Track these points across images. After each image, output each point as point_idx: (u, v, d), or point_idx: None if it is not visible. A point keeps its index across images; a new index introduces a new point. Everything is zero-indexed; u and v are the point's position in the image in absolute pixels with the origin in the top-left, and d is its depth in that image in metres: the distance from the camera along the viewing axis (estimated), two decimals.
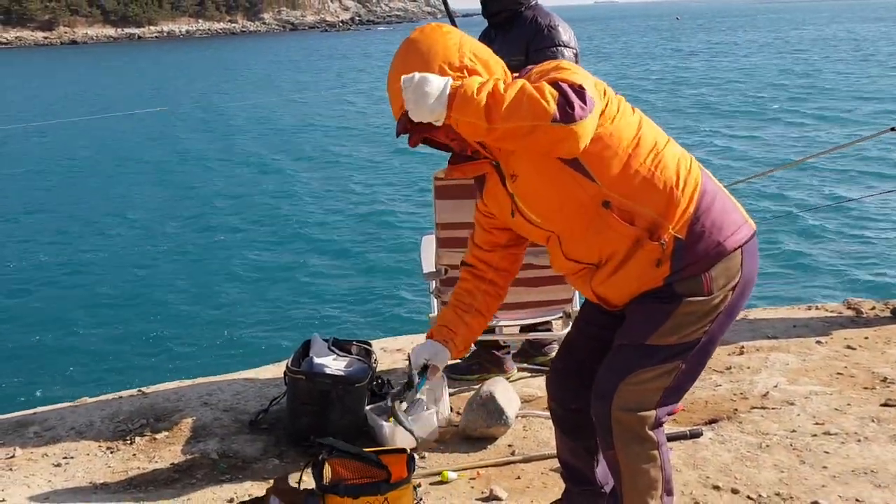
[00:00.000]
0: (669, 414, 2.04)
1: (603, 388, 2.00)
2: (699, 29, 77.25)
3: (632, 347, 1.98)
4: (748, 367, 3.77)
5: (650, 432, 1.99)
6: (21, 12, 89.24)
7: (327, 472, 2.31)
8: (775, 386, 3.52)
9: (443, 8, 4.03)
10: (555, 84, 1.74)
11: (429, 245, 3.43)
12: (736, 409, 3.32)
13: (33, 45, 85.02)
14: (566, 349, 2.27)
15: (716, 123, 20.47)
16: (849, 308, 4.61)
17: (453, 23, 3.17)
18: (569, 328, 2.63)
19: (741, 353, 3.97)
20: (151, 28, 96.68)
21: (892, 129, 4.75)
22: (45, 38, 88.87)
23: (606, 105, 1.88)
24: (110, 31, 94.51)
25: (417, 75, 1.76)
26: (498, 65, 1.96)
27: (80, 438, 3.30)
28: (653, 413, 1.98)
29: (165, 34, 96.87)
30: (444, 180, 3.09)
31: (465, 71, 1.87)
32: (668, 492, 2.05)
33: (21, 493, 2.88)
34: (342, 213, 13.17)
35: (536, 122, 1.70)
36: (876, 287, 8.61)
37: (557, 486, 2.59)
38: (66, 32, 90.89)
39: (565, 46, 3.36)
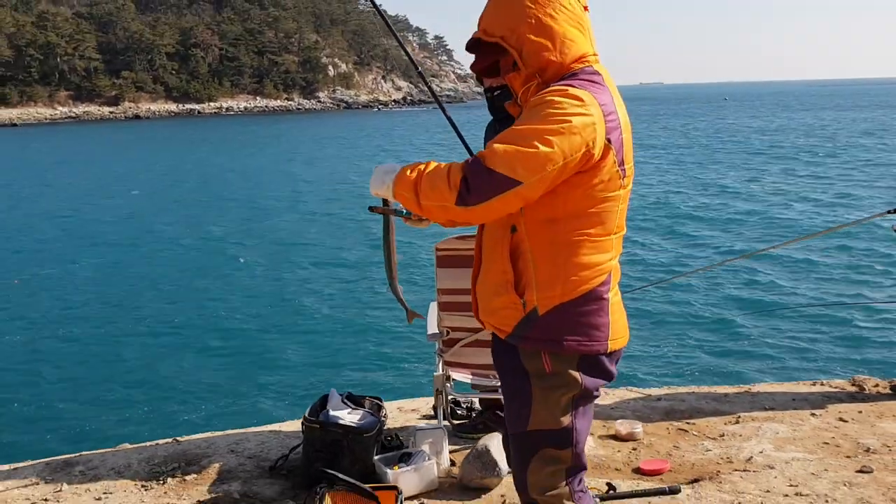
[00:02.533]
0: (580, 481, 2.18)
1: (517, 482, 2.19)
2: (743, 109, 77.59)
3: (520, 436, 2.13)
4: (740, 435, 3.98)
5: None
6: (90, 88, 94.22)
7: (327, 502, 2.63)
8: (761, 452, 3.73)
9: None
10: (469, 164, 1.90)
11: (434, 310, 3.78)
12: (719, 471, 3.54)
13: (99, 119, 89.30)
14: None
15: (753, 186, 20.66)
16: (853, 385, 4.75)
17: (439, 103, 3.32)
18: None
19: (737, 422, 4.18)
20: (210, 104, 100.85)
21: (890, 212, 4.91)
22: (111, 112, 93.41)
23: (584, 163, 1.91)
24: (172, 107, 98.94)
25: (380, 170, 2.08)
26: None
27: (119, 478, 3.66)
28: (565, 488, 2.12)
29: (224, 110, 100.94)
30: (444, 250, 3.46)
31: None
32: None
33: None
34: (365, 284, 13.74)
35: (443, 203, 1.92)
36: (890, 365, 8.66)
37: None
38: (130, 107, 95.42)
39: None
